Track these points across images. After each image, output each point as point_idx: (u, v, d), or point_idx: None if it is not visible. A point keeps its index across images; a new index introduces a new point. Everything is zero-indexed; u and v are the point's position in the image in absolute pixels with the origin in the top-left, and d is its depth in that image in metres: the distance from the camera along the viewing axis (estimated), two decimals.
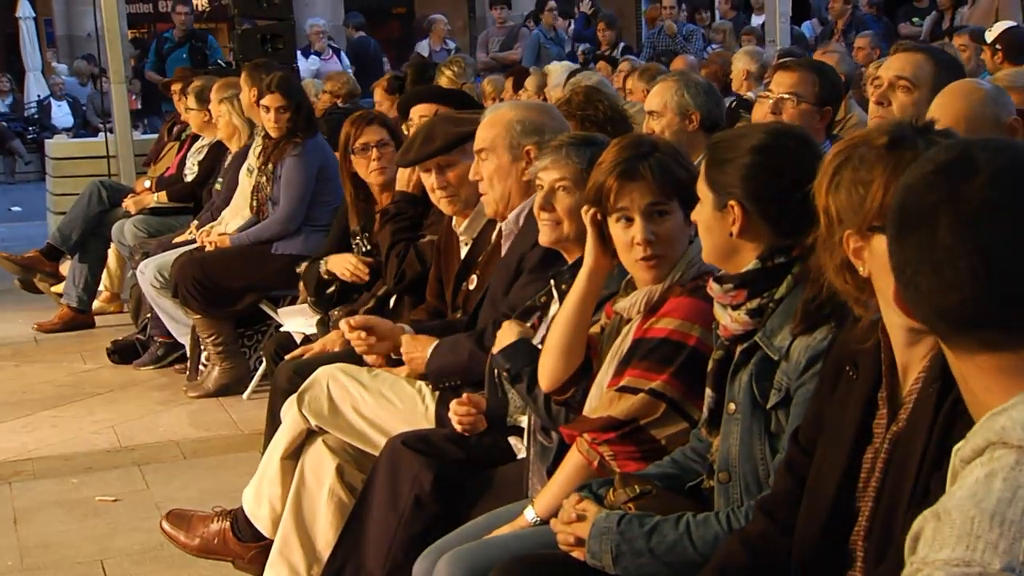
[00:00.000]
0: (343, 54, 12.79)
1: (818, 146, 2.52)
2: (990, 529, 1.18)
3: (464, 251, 4.04)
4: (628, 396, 2.64)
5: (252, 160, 6.30)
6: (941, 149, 1.42)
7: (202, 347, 6.28)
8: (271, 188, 6.05)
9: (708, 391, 2.43)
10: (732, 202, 2.36)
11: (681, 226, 2.69)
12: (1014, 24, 7.64)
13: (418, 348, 3.65)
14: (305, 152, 5.97)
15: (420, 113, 5.04)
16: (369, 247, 4.98)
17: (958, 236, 1.32)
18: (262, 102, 6.02)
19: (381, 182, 4.94)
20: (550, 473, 2.97)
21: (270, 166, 6.05)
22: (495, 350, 3.17)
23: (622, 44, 11.77)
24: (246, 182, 6.33)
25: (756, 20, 12.47)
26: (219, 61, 11.01)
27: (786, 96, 4.05)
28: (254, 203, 6.14)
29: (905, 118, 2.10)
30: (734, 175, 2.36)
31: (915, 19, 11.63)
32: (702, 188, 2.42)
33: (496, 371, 3.19)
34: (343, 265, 4.98)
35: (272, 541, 3.75)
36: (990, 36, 7.06)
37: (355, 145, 4.93)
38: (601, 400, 2.72)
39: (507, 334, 3.17)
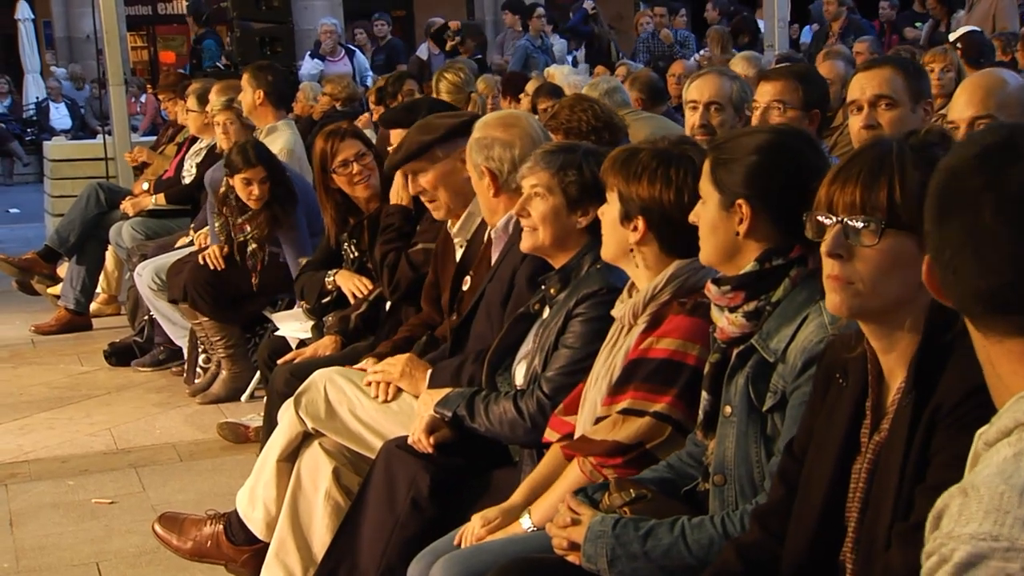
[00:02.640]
0: (359, 55, 12.65)
1: (820, 147, 2.55)
2: (1020, 505, 1.19)
3: (459, 253, 4.04)
4: (633, 419, 2.65)
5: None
6: (986, 132, 1.41)
7: (203, 350, 6.27)
8: (264, 255, 5.89)
9: (704, 394, 2.43)
10: (740, 201, 2.36)
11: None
12: (978, 29, 7.81)
13: (417, 376, 3.64)
14: (299, 218, 5.80)
15: (397, 137, 5.00)
16: (357, 254, 5.00)
17: (1002, 219, 1.32)
18: (242, 176, 5.70)
19: (367, 194, 4.99)
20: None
21: (256, 233, 5.86)
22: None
23: (479, 55, 11.72)
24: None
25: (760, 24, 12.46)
26: (218, 64, 11.02)
27: (772, 105, 4.16)
28: (251, 263, 5.89)
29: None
30: (742, 174, 2.36)
31: (917, 23, 11.65)
32: (706, 188, 2.42)
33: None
34: (350, 285, 4.96)
35: (265, 544, 3.75)
36: (953, 36, 7.22)
37: (335, 164, 4.96)
38: (605, 422, 2.72)
39: (433, 396, 3.32)
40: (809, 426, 2.10)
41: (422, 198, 4.05)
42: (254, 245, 5.87)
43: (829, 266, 1.91)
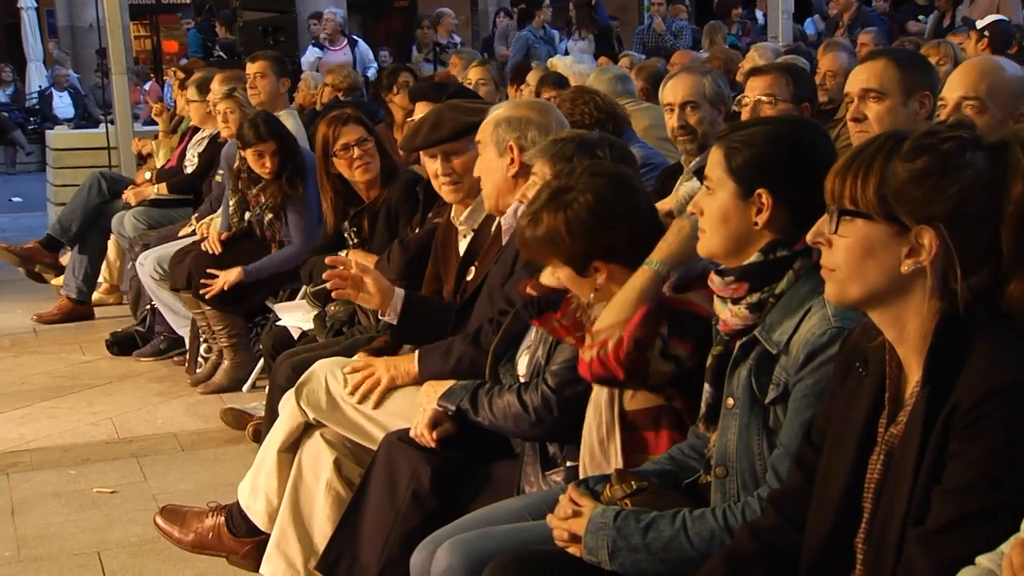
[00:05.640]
0: (362, 44, 12.62)
1: (831, 138, 2.55)
2: None
3: (464, 243, 4.03)
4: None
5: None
6: None
7: (205, 340, 6.27)
8: (280, 224, 5.94)
9: (706, 386, 2.42)
10: (761, 191, 2.33)
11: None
12: (1005, 18, 7.88)
13: (402, 364, 3.61)
14: (308, 195, 5.84)
15: (421, 111, 5.04)
16: (358, 240, 5.02)
17: None
18: (254, 149, 5.80)
19: (367, 179, 5.07)
20: (544, 469, 2.99)
21: (271, 202, 5.92)
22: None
23: (445, 44, 11.78)
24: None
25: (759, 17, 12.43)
26: (221, 54, 11.02)
27: (763, 98, 4.24)
28: (269, 234, 5.96)
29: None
30: (763, 164, 2.33)
31: (920, 16, 11.62)
32: (719, 176, 2.37)
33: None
34: (366, 260, 4.95)
35: (267, 535, 3.75)
36: (981, 24, 7.29)
37: (336, 148, 5.00)
38: None
39: (436, 389, 3.27)
40: (828, 413, 2.10)
41: (441, 179, 3.94)
42: (270, 215, 5.92)
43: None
